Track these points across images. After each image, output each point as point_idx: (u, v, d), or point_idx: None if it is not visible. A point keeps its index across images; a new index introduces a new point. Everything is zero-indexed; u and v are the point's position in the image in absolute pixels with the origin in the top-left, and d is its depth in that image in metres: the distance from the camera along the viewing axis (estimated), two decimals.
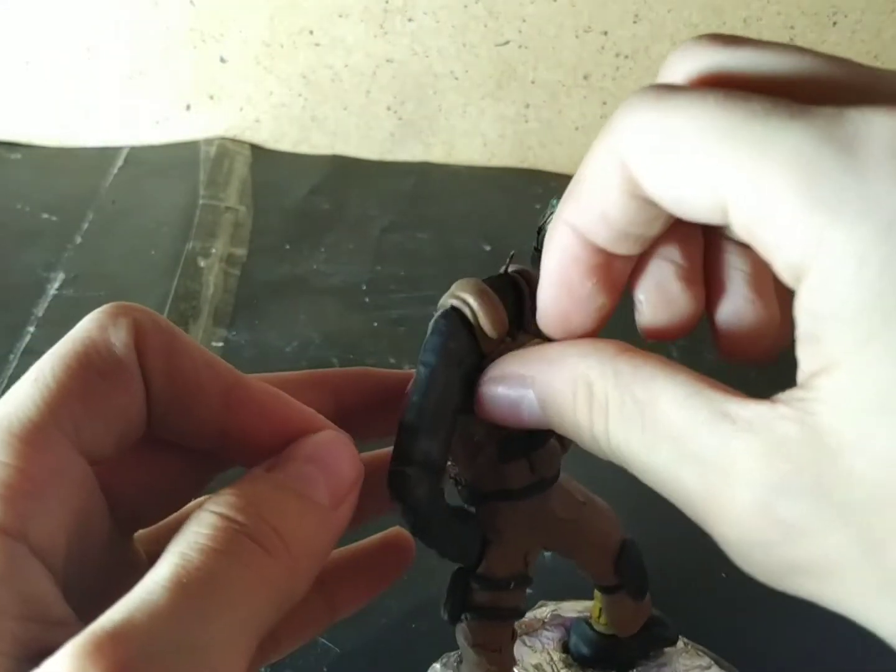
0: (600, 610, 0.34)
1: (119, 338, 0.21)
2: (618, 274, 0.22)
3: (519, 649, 0.36)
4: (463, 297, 0.24)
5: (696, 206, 0.19)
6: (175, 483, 0.24)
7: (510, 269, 0.26)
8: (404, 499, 0.23)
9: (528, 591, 0.28)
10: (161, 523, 0.25)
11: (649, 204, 0.20)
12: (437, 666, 0.36)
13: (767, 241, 0.18)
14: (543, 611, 0.38)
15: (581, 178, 0.21)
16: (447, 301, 0.24)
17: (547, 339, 0.25)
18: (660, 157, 0.19)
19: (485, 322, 0.24)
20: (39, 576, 0.19)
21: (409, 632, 0.42)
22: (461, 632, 0.28)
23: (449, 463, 0.26)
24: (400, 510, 0.23)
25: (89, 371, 0.20)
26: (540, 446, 0.26)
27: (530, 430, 0.25)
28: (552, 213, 0.26)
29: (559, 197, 0.25)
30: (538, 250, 0.26)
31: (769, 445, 0.18)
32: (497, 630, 0.28)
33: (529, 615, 0.38)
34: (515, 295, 0.25)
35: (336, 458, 0.22)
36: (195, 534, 0.19)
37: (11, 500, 0.18)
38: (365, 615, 0.43)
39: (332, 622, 0.27)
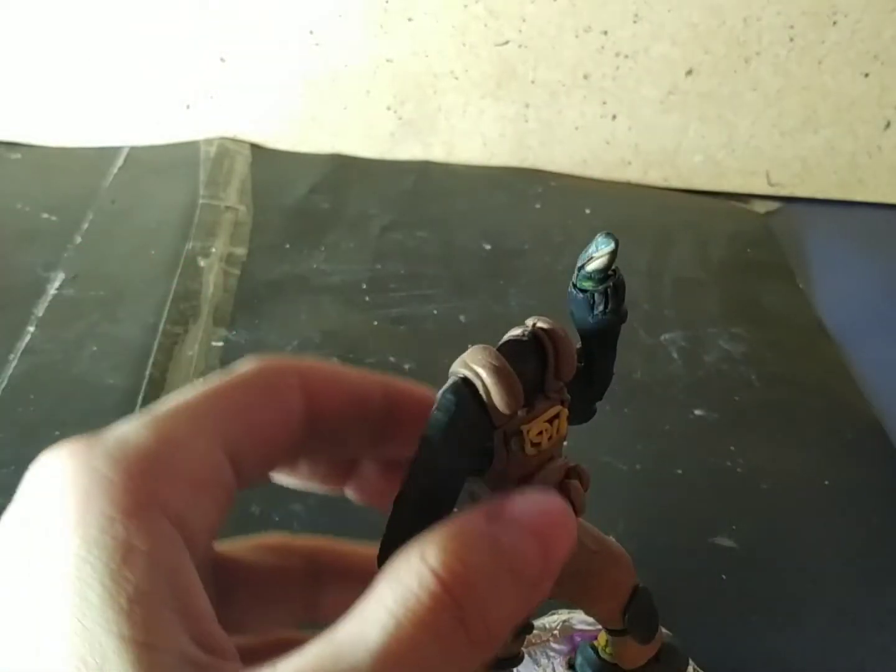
0: (607, 641, 0.33)
1: (284, 378, 0.22)
2: None
3: (523, 665, 0.35)
4: (476, 369, 0.22)
5: None
6: None
7: (537, 324, 0.24)
8: None
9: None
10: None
11: None
12: None
13: None
14: (554, 619, 0.37)
15: None
16: (458, 371, 0.22)
17: (566, 406, 0.24)
18: None
19: (498, 399, 0.22)
20: (192, 574, 0.17)
21: None
22: None
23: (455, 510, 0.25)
24: None
25: (252, 393, 0.21)
26: None
27: None
28: (597, 251, 0.24)
29: (608, 233, 0.24)
30: (577, 288, 0.25)
31: None
32: None
33: (538, 624, 0.37)
34: (538, 359, 0.23)
35: (557, 533, 0.21)
36: (411, 592, 0.18)
37: (156, 475, 0.18)
38: None
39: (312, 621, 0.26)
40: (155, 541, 0.17)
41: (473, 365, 0.22)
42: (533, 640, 0.36)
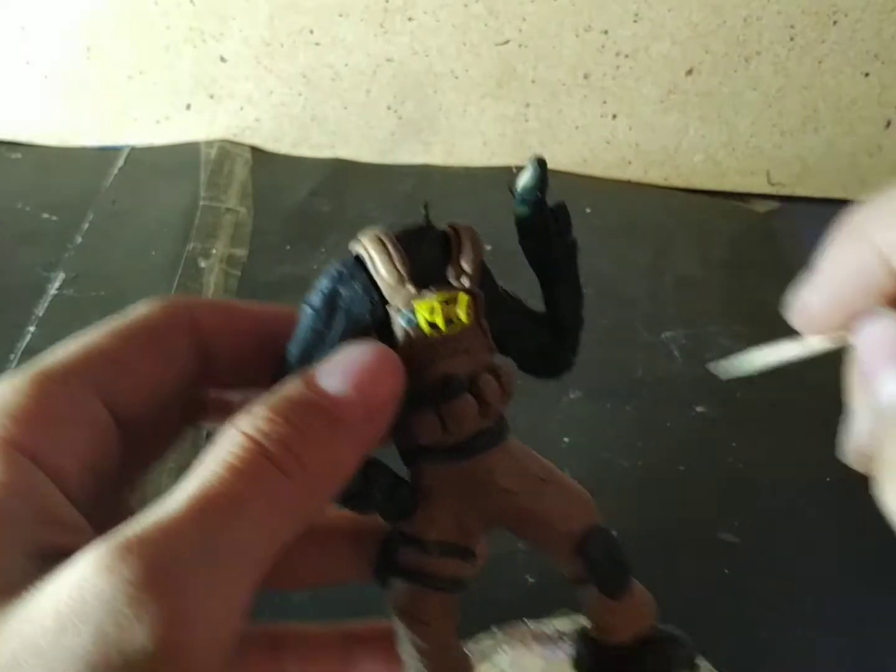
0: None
1: (171, 323, 0.23)
2: None
3: (530, 658, 0.34)
4: (362, 241, 0.24)
5: None
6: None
7: (447, 224, 0.25)
8: None
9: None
10: None
11: None
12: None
13: None
14: (563, 621, 0.37)
15: None
16: (349, 250, 0.24)
17: (474, 298, 0.24)
18: None
19: (380, 265, 0.23)
20: (51, 489, 0.20)
21: None
22: (388, 597, 0.26)
23: None
24: None
25: (131, 342, 0.23)
26: (451, 399, 0.24)
27: (445, 381, 0.23)
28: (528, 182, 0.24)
29: (538, 162, 0.24)
30: (518, 217, 0.26)
31: None
32: (422, 598, 0.25)
33: (549, 623, 0.36)
34: (440, 248, 0.24)
35: (376, 375, 0.22)
36: (223, 450, 0.20)
37: (25, 422, 0.20)
38: (367, 613, 0.43)
39: (361, 581, 0.27)
40: (5, 470, 0.19)
41: (361, 238, 0.24)
42: (542, 638, 0.35)
